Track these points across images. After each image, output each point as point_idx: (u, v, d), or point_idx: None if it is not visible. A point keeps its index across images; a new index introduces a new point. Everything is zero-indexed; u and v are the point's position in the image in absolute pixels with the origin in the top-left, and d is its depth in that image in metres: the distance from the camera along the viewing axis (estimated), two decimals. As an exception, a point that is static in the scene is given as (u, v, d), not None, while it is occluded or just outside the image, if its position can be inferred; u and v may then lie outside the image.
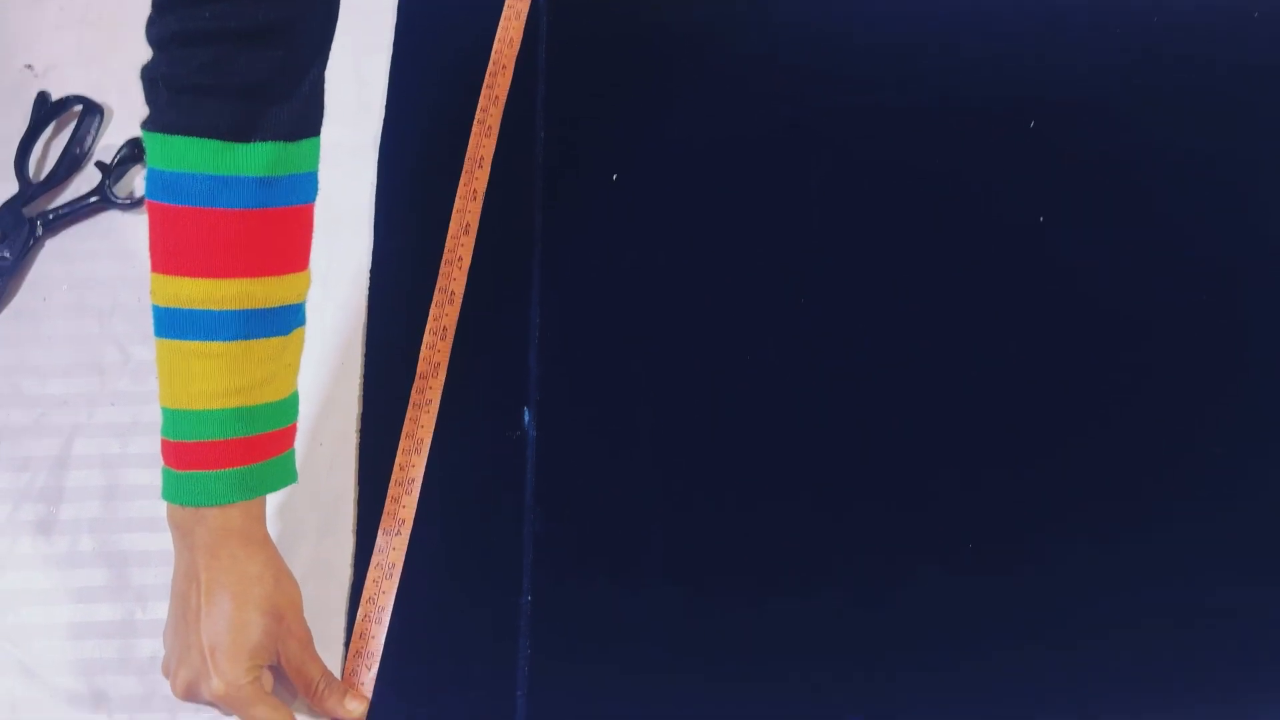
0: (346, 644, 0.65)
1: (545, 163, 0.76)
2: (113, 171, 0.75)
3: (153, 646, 0.65)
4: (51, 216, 0.75)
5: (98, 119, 0.77)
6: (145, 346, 0.71)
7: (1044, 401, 0.70)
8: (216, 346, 0.56)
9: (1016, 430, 0.69)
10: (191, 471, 0.57)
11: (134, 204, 0.75)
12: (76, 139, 0.77)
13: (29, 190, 0.75)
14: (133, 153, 0.76)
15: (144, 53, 0.55)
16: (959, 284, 0.72)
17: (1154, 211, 0.74)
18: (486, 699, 0.63)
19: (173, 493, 0.58)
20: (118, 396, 0.71)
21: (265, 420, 0.58)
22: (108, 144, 0.77)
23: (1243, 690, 0.63)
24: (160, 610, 0.65)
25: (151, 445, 0.69)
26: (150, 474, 0.68)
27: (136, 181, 0.77)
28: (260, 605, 0.58)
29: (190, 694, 0.58)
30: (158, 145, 0.55)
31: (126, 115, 0.78)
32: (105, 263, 0.74)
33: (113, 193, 0.75)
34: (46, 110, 0.77)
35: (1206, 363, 0.70)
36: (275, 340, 0.58)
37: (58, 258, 0.74)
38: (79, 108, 0.77)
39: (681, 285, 0.73)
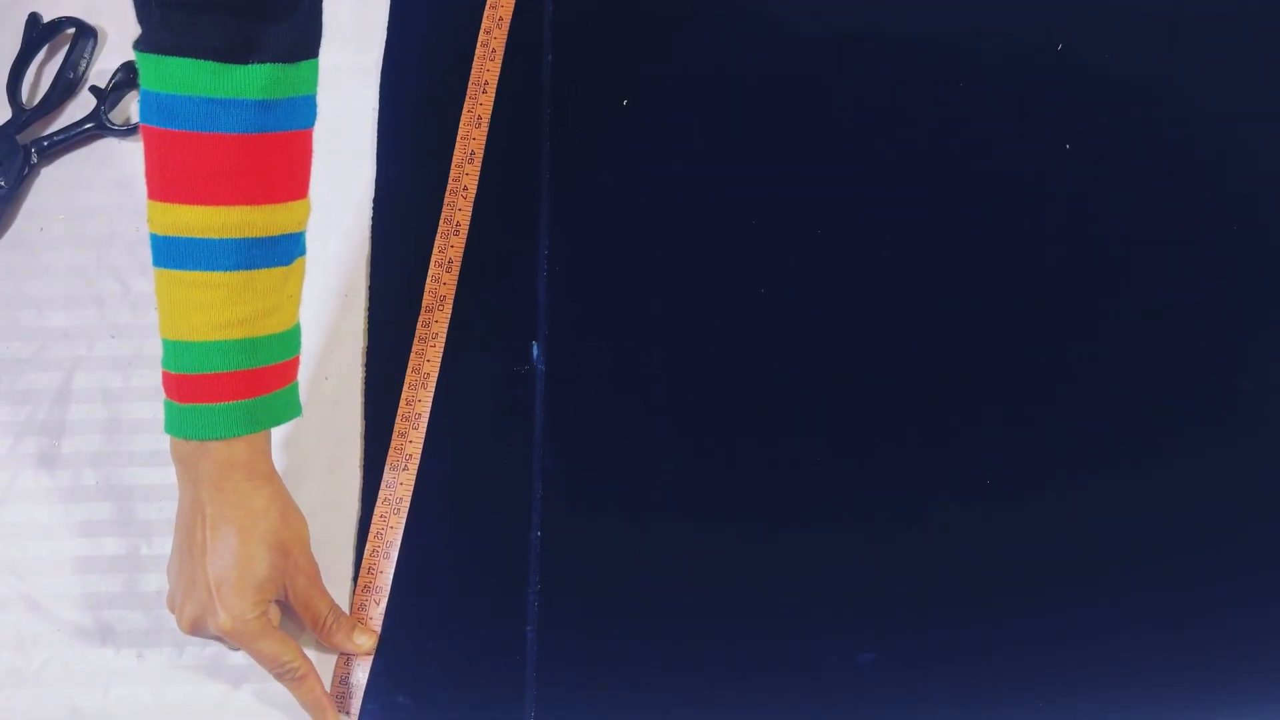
0: (355, 580, 0.64)
1: (553, 88, 0.74)
2: (108, 97, 0.73)
3: (158, 581, 0.64)
4: (46, 143, 0.73)
5: (91, 42, 0.75)
6: (144, 278, 0.70)
7: (1054, 332, 0.68)
8: (217, 277, 0.54)
9: (1031, 360, 0.68)
10: (194, 404, 0.56)
11: (130, 130, 0.73)
12: (70, 63, 0.75)
13: (22, 116, 0.73)
14: (128, 78, 0.74)
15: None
16: (982, 208, 0.70)
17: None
18: (496, 635, 0.63)
19: (175, 426, 0.57)
20: (118, 329, 0.69)
21: (268, 353, 0.57)
22: (102, 68, 0.75)
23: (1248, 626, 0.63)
24: (165, 545, 0.65)
25: (153, 379, 0.68)
26: (152, 408, 0.68)
27: (133, 107, 0.75)
28: (266, 540, 0.57)
29: (197, 629, 0.58)
30: (151, 67, 0.53)
31: (121, 38, 0.76)
32: (102, 191, 0.72)
33: (108, 119, 0.73)
34: (38, 33, 0.75)
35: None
36: (277, 270, 0.56)
37: (54, 186, 0.73)
38: (71, 30, 0.75)
39: (695, 215, 0.71)
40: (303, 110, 0.56)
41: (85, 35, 0.75)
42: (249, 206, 0.55)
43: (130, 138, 0.73)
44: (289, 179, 0.56)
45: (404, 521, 0.65)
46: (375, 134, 0.73)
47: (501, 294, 0.69)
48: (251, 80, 0.53)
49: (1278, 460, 0.66)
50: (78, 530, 0.66)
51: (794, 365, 0.68)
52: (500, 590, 0.64)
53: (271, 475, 0.59)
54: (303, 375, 0.61)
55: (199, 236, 0.54)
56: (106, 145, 0.73)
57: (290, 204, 0.56)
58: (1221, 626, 0.63)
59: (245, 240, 0.55)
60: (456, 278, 0.69)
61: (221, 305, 0.55)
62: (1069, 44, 0.74)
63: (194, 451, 0.57)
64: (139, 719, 0.63)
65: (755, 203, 0.71)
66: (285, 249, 0.57)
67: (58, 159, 0.73)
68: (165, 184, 0.54)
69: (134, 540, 0.65)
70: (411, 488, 0.65)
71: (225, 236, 0.54)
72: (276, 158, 0.55)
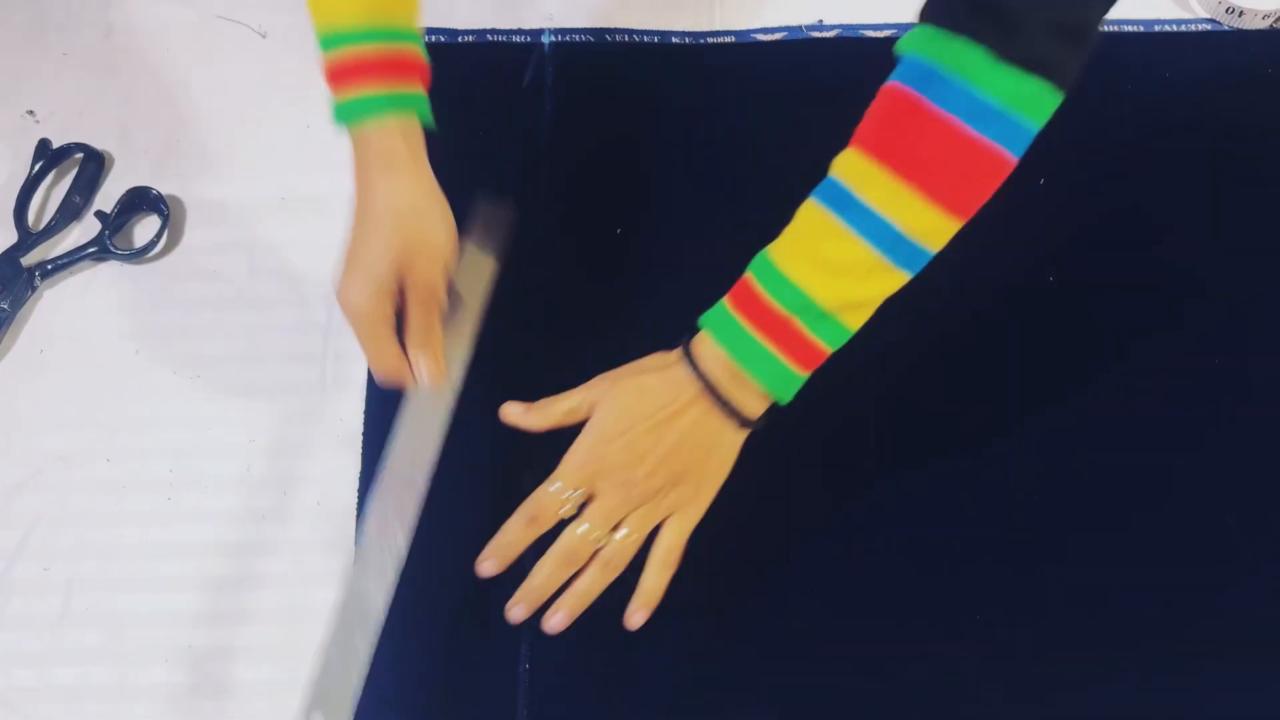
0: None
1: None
2: (112, 222, 0.75)
3: (147, 711, 0.64)
4: (50, 267, 0.74)
5: (98, 168, 0.77)
6: (141, 403, 0.71)
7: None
8: None
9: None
10: (345, 93, 0.59)
11: (133, 255, 0.74)
12: (76, 188, 0.76)
13: (28, 240, 0.75)
14: (132, 202, 0.75)
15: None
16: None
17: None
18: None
19: (336, 113, 0.60)
20: (114, 453, 0.70)
21: (402, 36, 0.60)
22: (107, 193, 0.77)
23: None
24: (154, 674, 0.65)
25: (146, 503, 0.69)
26: (145, 532, 0.68)
27: (136, 231, 0.76)
28: (390, 237, 0.59)
29: (338, 294, 0.60)
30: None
31: (127, 164, 0.77)
32: (104, 316, 0.73)
33: (112, 244, 0.74)
34: (47, 158, 0.77)
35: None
36: None
37: (56, 309, 0.74)
38: (80, 155, 0.77)
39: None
40: None
41: (92, 160, 0.77)
42: None
43: (133, 262, 0.74)
44: None
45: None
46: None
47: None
48: None
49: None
50: (67, 658, 0.66)
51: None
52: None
53: (420, 174, 0.61)
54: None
55: None
56: (110, 269, 0.75)
57: None
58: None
59: None
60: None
61: None
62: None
63: (359, 142, 0.60)
64: None
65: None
66: None
67: (61, 282, 0.74)
68: None
69: (122, 668, 0.65)
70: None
71: None
72: None
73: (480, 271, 0.67)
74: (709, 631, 0.65)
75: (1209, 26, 0.80)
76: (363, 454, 0.70)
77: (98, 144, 0.77)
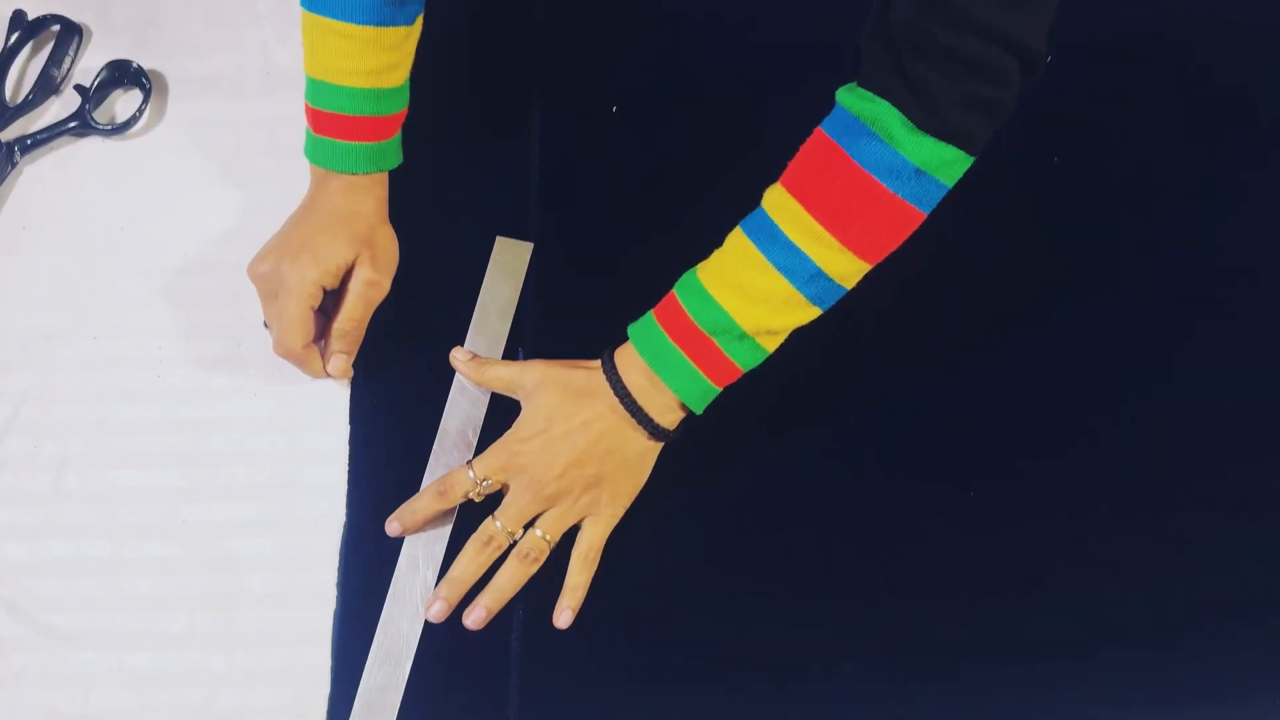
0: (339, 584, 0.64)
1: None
2: (92, 96, 0.73)
3: (140, 584, 0.65)
4: (30, 142, 0.72)
5: (76, 39, 0.75)
6: (128, 279, 0.70)
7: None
8: (354, 29, 0.61)
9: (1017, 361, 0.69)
10: (328, 138, 0.64)
11: (115, 130, 0.72)
12: (54, 60, 0.74)
13: (5, 113, 0.73)
14: (113, 76, 0.73)
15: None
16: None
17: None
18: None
19: (312, 153, 0.65)
20: (101, 330, 0.69)
21: (389, 103, 0.64)
22: (86, 66, 0.75)
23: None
24: (146, 549, 0.65)
25: (136, 380, 0.68)
26: (135, 410, 0.67)
27: (117, 106, 0.74)
28: (357, 228, 0.64)
29: (254, 268, 0.65)
30: None
31: (105, 37, 0.75)
32: (87, 191, 0.72)
33: (93, 118, 0.72)
34: (23, 29, 0.74)
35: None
36: (403, 29, 0.63)
37: (37, 185, 0.72)
38: (56, 28, 0.75)
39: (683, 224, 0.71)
40: None
41: (70, 32, 0.74)
42: None
43: (115, 137, 0.73)
44: None
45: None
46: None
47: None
48: None
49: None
50: (59, 533, 0.66)
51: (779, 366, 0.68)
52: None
53: (381, 199, 0.66)
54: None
55: None
56: (91, 144, 0.73)
57: None
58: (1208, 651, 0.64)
59: None
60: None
61: (356, 55, 0.62)
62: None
63: (322, 174, 0.65)
64: (120, 723, 0.63)
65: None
66: (409, 11, 0.63)
67: (41, 158, 0.73)
68: None
69: (116, 544, 0.65)
70: None
71: None
72: None
73: (517, 261, 0.70)
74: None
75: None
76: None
77: (74, 16, 0.75)
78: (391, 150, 0.66)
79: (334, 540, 0.65)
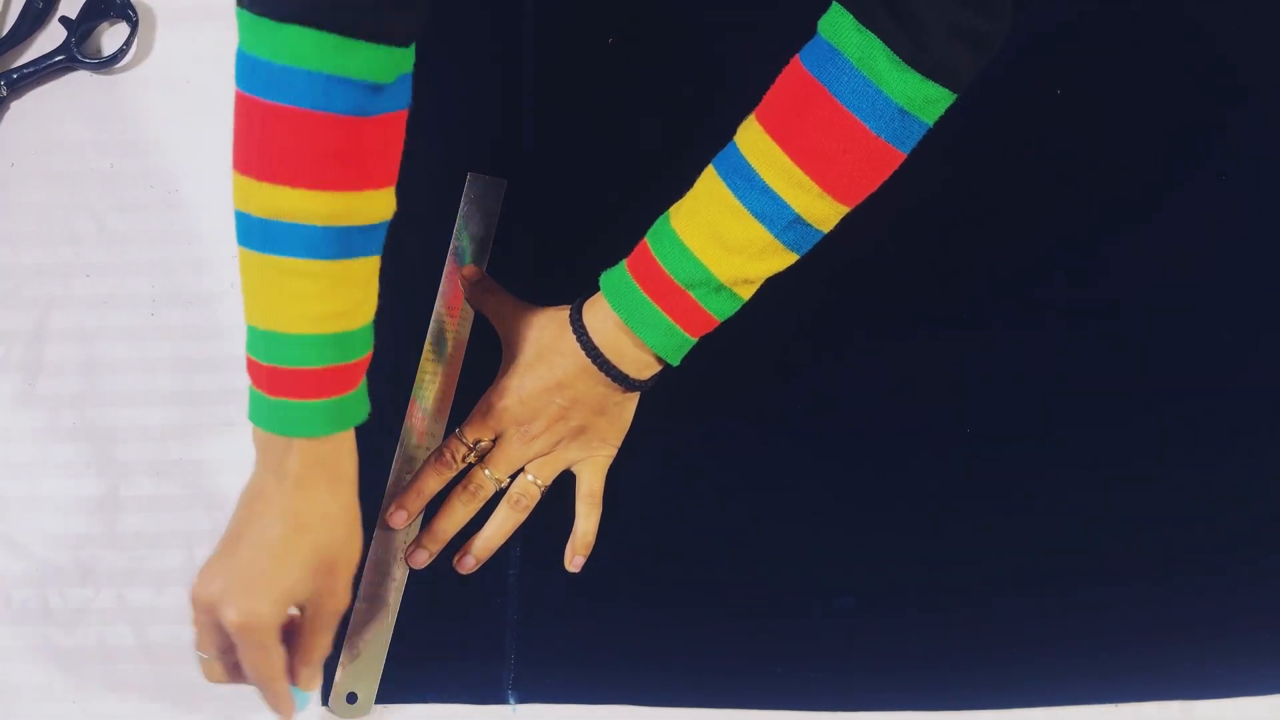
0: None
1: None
2: (79, 28, 0.71)
3: (138, 521, 0.65)
4: (15, 76, 0.71)
5: (60, -30, 0.73)
6: (120, 215, 0.69)
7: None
8: (317, 266, 0.51)
9: (1014, 304, 0.69)
10: (285, 400, 0.53)
11: (102, 63, 0.71)
12: (38, -8, 0.73)
13: (-10, 47, 0.71)
14: (99, 7, 0.72)
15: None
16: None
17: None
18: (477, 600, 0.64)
19: (264, 419, 0.54)
20: (93, 268, 0.69)
21: (357, 347, 0.54)
22: (72, -1, 0.73)
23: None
24: (143, 485, 0.65)
25: (131, 318, 0.68)
26: (130, 348, 0.67)
27: (104, 39, 0.73)
28: (321, 551, 0.54)
29: (202, 600, 0.53)
30: (263, 32, 0.48)
31: (91, -33, 0.73)
32: (75, 126, 0.71)
33: (79, 51, 0.71)
34: (5, -40, 0.73)
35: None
36: (371, 259, 0.54)
37: (24, 121, 0.71)
38: (40, -42, 0.73)
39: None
40: (403, 90, 0.53)
41: (54, -37, 0.73)
42: (352, 193, 0.51)
43: (103, 71, 0.71)
44: (385, 164, 0.53)
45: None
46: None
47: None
48: (372, 61, 0.49)
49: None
50: (56, 470, 0.66)
51: (770, 336, 0.68)
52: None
53: (352, 479, 0.56)
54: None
55: (301, 222, 0.50)
56: (78, 79, 0.72)
57: (385, 190, 0.54)
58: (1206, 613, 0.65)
59: (346, 228, 0.51)
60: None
61: (319, 297, 0.52)
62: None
63: (281, 445, 0.54)
64: (119, 659, 0.63)
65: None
66: (377, 236, 0.54)
67: (27, 93, 0.72)
68: (265, 162, 0.50)
69: (113, 480, 0.65)
70: None
71: (328, 224, 0.51)
72: (378, 142, 0.52)
73: (490, 199, 0.68)
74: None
75: None
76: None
77: (59, -54, 0.73)
78: (359, 402, 0.56)
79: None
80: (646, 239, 0.60)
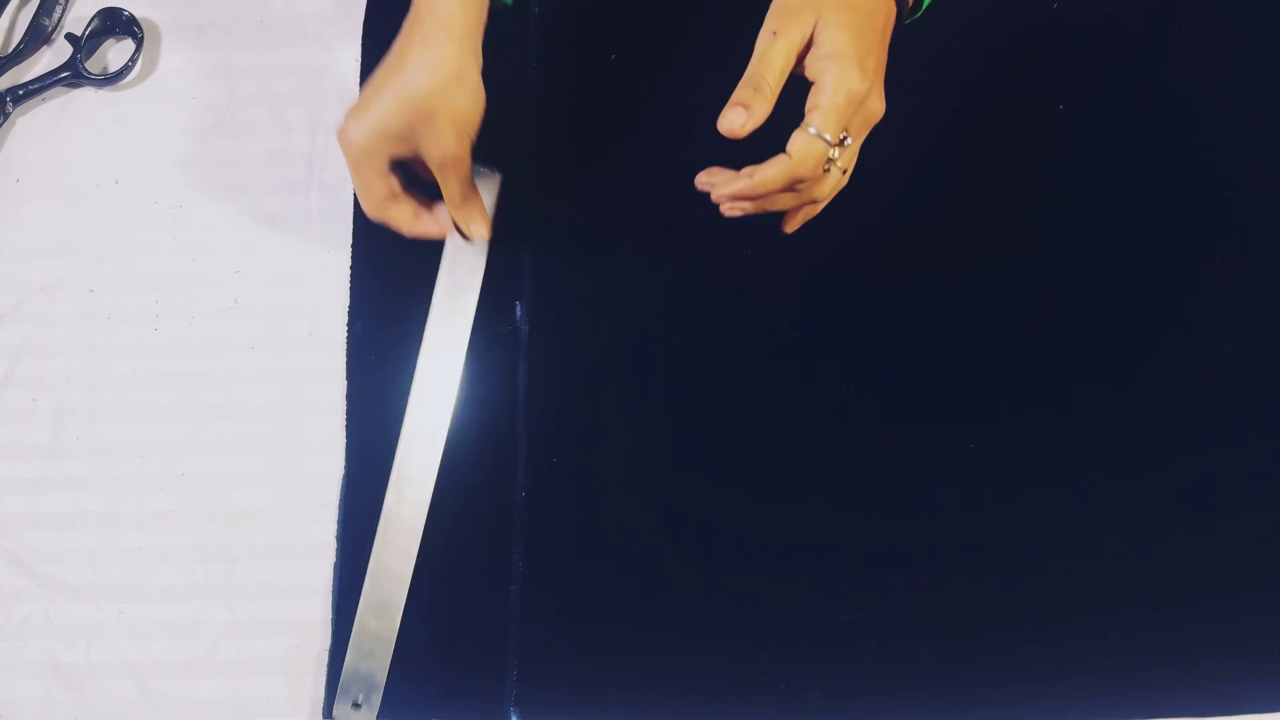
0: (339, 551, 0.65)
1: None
2: (84, 45, 0.72)
3: (140, 537, 0.65)
4: (21, 92, 0.71)
5: (66, -12, 0.73)
6: (124, 231, 0.69)
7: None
8: None
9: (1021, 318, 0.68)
10: None
11: (108, 79, 0.71)
12: (44, 9, 0.73)
13: (-4, 64, 0.72)
14: (104, 25, 0.72)
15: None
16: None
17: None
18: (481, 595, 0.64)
19: None
20: (97, 283, 0.69)
21: None
22: (78, 15, 0.73)
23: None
24: (146, 501, 0.65)
25: (133, 334, 0.68)
26: (133, 363, 0.67)
27: (110, 56, 0.73)
28: (415, 93, 0.57)
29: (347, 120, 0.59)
30: None
31: (97, -16, 0.74)
32: (79, 142, 0.71)
33: (85, 68, 0.71)
34: (12, -23, 0.73)
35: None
36: None
37: (30, 137, 0.71)
38: (46, -25, 0.73)
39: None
40: None
41: (60, -20, 0.73)
42: None
43: (107, 87, 0.72)
44: None
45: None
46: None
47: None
48: None
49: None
50: (59, 486, 0.66)
51: (769, 351, 0.68)
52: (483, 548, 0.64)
53: (460, 34, 0.57)
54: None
55: None
56: (83, 95, 0.72)
57: None
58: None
59: None
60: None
61: None
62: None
63: (421, 3, 0.58)
64: (121, 674, 0.63)
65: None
66: None
67: (33, 109, 0.72)
68: None
69: (115, 496, 0.65)
70: None
71: None
72: None
73: (485, 193, 0.66)
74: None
75: None
76: (351, 280, 0.68)
77: (65, -37, 0.74)
78: None
79: (333, 492, 0.65)
80: None
